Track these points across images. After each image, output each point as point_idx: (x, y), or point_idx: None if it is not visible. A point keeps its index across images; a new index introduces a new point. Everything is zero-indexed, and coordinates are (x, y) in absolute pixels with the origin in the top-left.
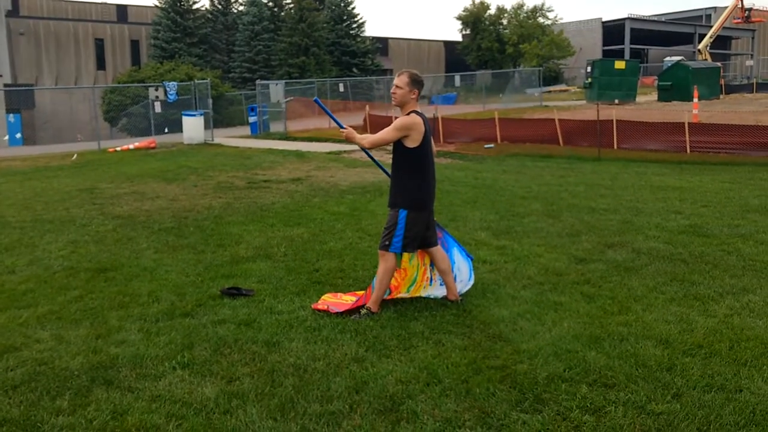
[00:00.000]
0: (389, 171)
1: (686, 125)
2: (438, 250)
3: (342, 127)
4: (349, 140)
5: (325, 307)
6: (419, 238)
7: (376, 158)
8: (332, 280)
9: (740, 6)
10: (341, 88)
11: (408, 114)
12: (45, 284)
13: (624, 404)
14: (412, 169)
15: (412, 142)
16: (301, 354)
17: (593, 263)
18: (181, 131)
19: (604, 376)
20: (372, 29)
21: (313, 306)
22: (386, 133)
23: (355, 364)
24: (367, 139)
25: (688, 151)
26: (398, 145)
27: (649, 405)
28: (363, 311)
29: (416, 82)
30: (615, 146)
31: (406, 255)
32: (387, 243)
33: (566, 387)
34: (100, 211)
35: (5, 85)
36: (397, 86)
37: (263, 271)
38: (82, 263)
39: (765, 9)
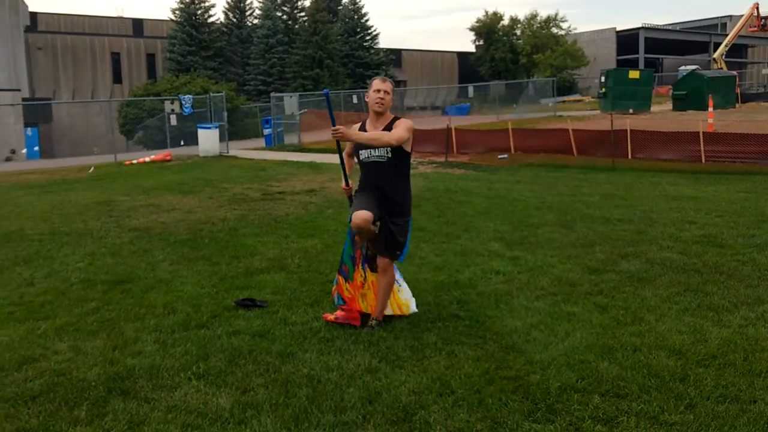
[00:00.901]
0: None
1: (701, 135)
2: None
3: (334, 125)
4: (345, 138)
5: (333, 318)
6: None
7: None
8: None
9: (756, 14)
10: (355, 100)
11: (399, 118)
12: (63, 296)
13: (637, 415)
14: (407, 174)
15: (409, 146)
16: (315, 365)
17: (606, 274)
18: (197, 144)
19: (617, 387)
20: (385, 41)
21: (323, 316)
22: (403, 133)
23: (368, 374)
24: (389, 135)
25: (704, 160)
26: (400, 151)
27: (662, 416)
28: (373, 323)
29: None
30: (629, 156)
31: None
32: (399, 253)
33: (579, 397)
34: (116, 224)
35: (23, 99)
36: (386, 92)
37: (277, 283)
38: (99, 275)
39: None
